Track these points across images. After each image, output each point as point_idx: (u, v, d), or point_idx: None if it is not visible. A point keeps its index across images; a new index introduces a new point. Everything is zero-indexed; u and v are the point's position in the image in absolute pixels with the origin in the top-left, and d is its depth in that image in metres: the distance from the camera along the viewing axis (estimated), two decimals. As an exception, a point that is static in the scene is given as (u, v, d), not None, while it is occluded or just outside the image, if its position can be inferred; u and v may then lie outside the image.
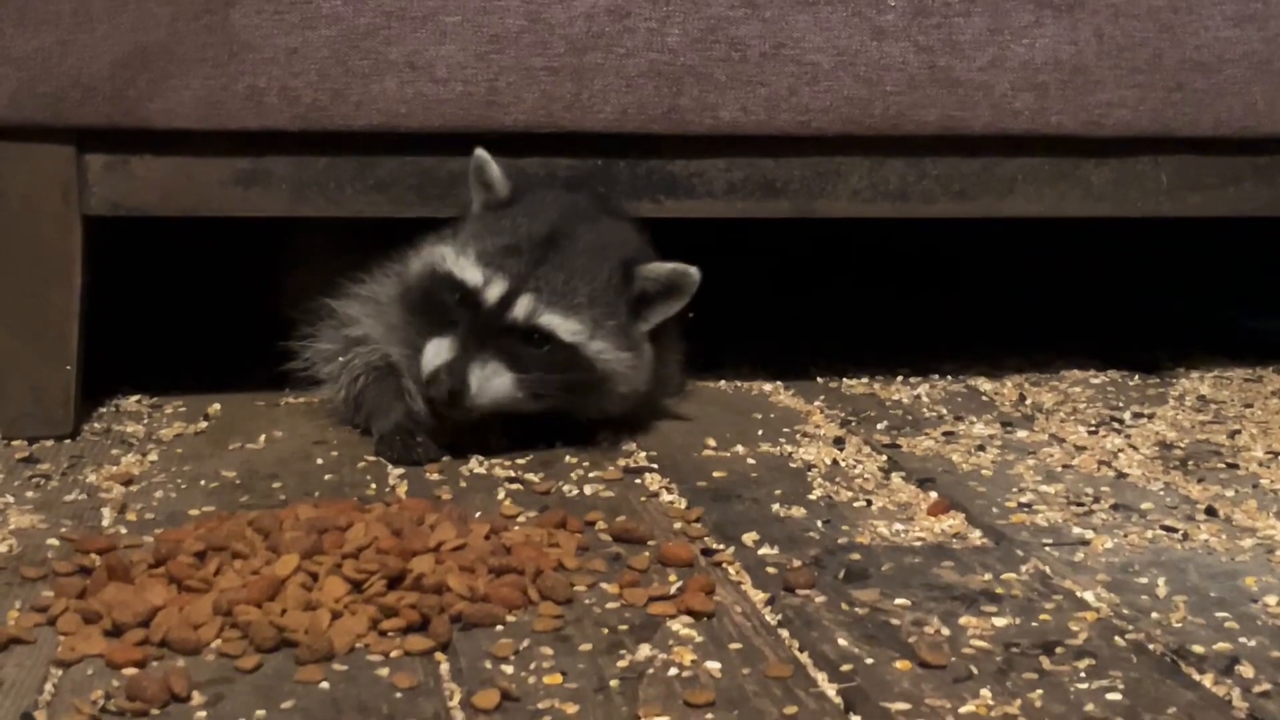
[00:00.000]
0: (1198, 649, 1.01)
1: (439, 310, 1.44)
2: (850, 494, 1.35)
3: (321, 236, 1.68)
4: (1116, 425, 1.60)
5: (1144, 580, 1.14)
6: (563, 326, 1.43)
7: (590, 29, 1.52)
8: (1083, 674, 0.97)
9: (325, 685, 0.95)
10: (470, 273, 1.44)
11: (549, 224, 1.47)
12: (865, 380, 1.80)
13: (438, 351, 1.41)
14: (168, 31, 1.45)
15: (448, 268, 1.45)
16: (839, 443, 1.51)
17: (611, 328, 1.46)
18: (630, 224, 1.55)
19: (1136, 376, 1.85)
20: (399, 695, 0.93)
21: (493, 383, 1.40)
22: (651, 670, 0.97)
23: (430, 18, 1.49)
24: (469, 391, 1.39)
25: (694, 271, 1.48)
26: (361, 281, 1.55)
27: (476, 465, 1.43)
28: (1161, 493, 1.37)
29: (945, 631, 1.04)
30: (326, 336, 1.57)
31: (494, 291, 1.43)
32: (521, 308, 1.42)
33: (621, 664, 0.98)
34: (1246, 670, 0.98)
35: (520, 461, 1.44)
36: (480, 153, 1.49)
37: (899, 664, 0.98)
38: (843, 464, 1.44)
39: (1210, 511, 1.31)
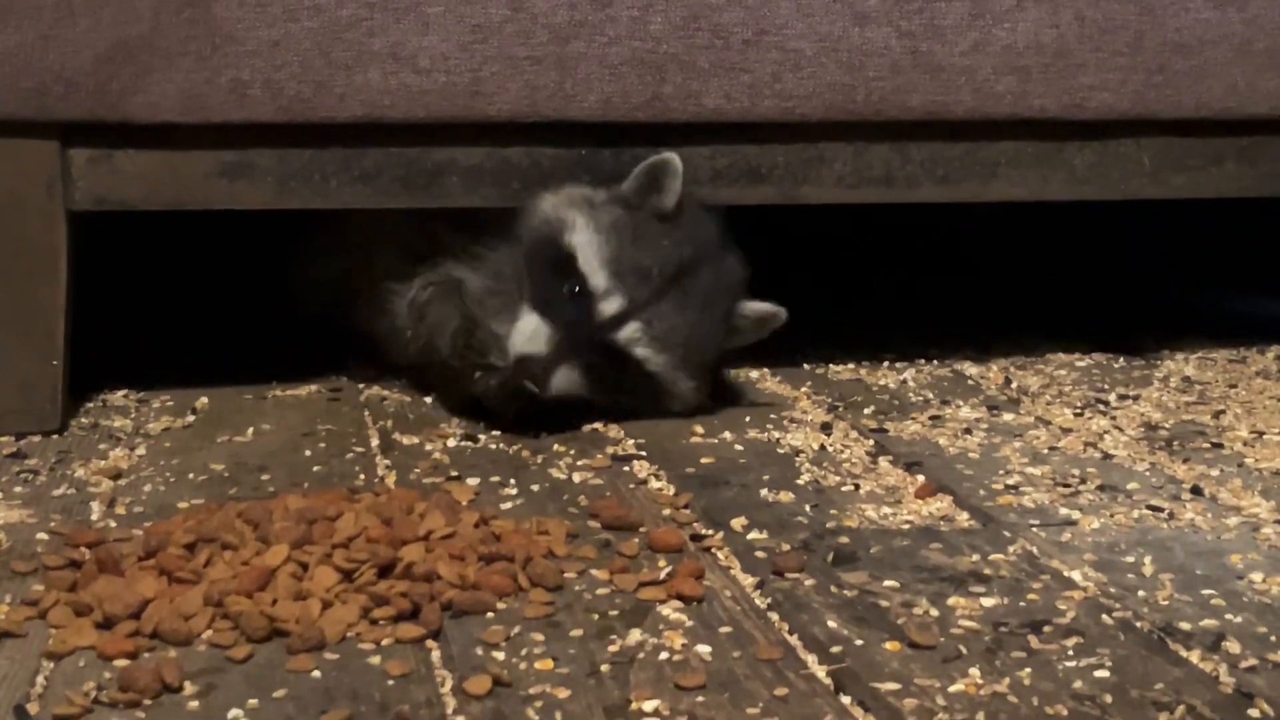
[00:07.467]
0: (1184, 626, 1.02)
1: (545, 282, 1.46)
2: (838, 478, 1.35)
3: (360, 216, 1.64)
4: (1102, 407, 1.61)
5: (1131, 559, 1.15)
6: (653, 360, 1.48)
7: (573, 18, 1.52)
8: (1071, 652, 0.98)
9: (317, 674, 0.95)
10: (596, 275, 1.46)
11: (684, 256, 1.49)
12: (851, 366, 1.80)
13: (533, 337, 1.44)
14: (150, 25, 1.45)
15: (572, 247, 1.47)
16: (826, 428, 1.52)
17: (695, 363, 1.52)
18: (739, 256, 1.57)
19: (1121, 359, 1.85)
20: (391, 683, 0.94)
21: (569, 381, 1.45)
22: (642, 654, 0.97)
23: (413, 8, 1.49)
24: (547, 389, 1.43)
25: (783, 313, 1.55)
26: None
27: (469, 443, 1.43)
28: (1147, 473, 1.37)
29: (934, 612, 1.04)
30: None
31: (610, 307, 1.46)
32: (626, 332, 1.46)
33: (613, 649, 0.98)
34: (1233, 646, 0.98)
35: (510, 450, 1.45)
36: (674, 159, 1.49)
37: (888, 645, 0.99)
38: (830, 449, 1.44)
39: (1196, 491, 1.31)
